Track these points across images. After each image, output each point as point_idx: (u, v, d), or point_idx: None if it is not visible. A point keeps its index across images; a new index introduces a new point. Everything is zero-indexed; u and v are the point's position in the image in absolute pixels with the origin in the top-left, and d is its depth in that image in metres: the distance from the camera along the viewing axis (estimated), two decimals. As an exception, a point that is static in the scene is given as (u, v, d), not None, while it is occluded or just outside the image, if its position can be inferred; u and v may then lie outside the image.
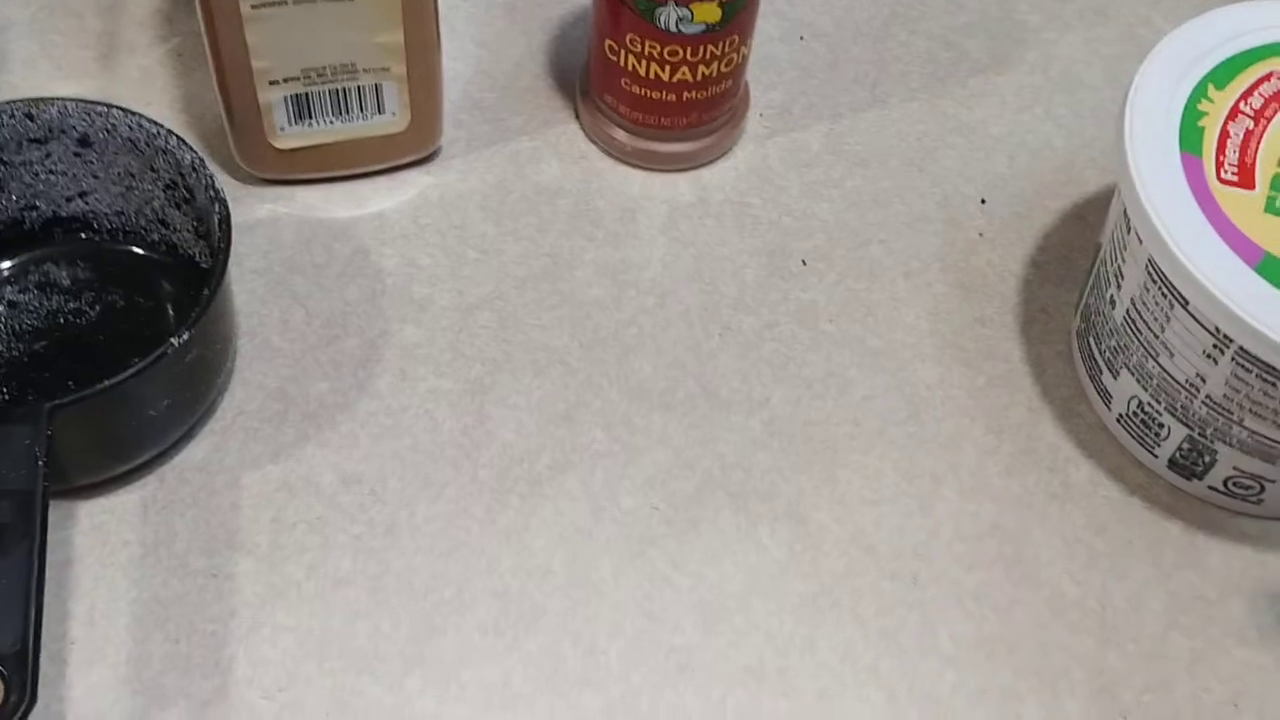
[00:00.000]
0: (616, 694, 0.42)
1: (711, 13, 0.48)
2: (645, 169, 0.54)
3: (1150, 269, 0.43)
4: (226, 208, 0.44)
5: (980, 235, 0.53)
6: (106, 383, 0.40)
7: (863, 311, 0.51)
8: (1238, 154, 0.44)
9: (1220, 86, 0.45)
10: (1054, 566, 0.45)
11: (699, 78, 0.50)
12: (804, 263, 0.52)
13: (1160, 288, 0.43)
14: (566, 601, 0.43)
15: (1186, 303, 0.42)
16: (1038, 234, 0.54)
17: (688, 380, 0.49)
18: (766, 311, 0.51)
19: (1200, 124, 0.44)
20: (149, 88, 0.55)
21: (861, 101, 0.57)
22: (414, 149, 0.52)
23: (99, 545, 0.44)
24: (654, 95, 0.51)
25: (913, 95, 0.58)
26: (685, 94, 0.51)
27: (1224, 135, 0.44)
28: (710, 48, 0.50)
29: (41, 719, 0.40)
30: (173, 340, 0.41)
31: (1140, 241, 0.43)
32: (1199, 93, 0.45)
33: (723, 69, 0.51)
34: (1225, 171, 0.43)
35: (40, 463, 0.38)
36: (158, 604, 0.43)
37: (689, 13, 0.48)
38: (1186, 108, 0.45)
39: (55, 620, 0.42)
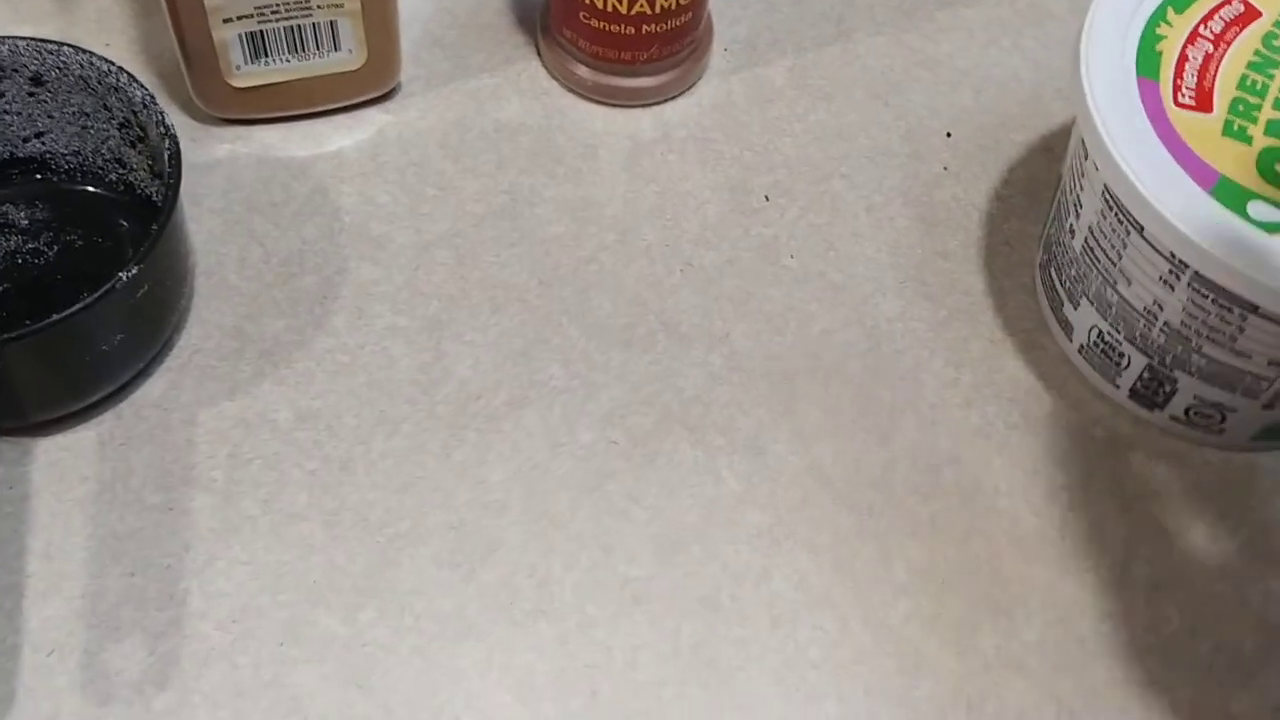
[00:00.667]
0: (572, 624, 0.42)
1: None
2: (607, 105, 0.54)
3: (1106, 196, 0.43)
4: (176, 143, 0.44)
5: (945, 169, 0.53)
6: (56, 316, 0.40)
7: (824, 246, 0.51)
8: (1195, 78, 0.43)
9: (1180, 10, 0.45)
10: (1013, 497, 0.45)
11: (657, 10, 0.50)
12: (766, 198, 0.52)
13: (1116, 214, 0.43)
14: (523, 535, 0.44)
15: (1142, 229, 0.42)
16: (1003, 167, 0.53)
17: (648, 316, 0.48)
18: (728, 247, 0.50)
19: (1158, 48, 0.44)
20: (107, 29, 0.55)
21: (827, 36, 0.57)
22: (372, 87, 0.52)
23: (56, 481, 0.44)
24: (613, 29, 0.51)
25: (879, 29, 0.57)
26: (644, 27, 0.51)
27: (1182, 59, 0.44)
28: None
29: (-4, 652, 0.40)
30: (121, 275, 0.41)
31: (1097, 168, 0.43)
32: (1157, 17, 0.45)
33: (681, 1, 0.50)
34: (1182, 95, 0.43)
35: (-13, 395, 0.38)
36: (114, 538, 0.43)
37: None
38: (1144, 32, 0.44)
39: (12, 555, 0.42)
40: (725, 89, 0.55)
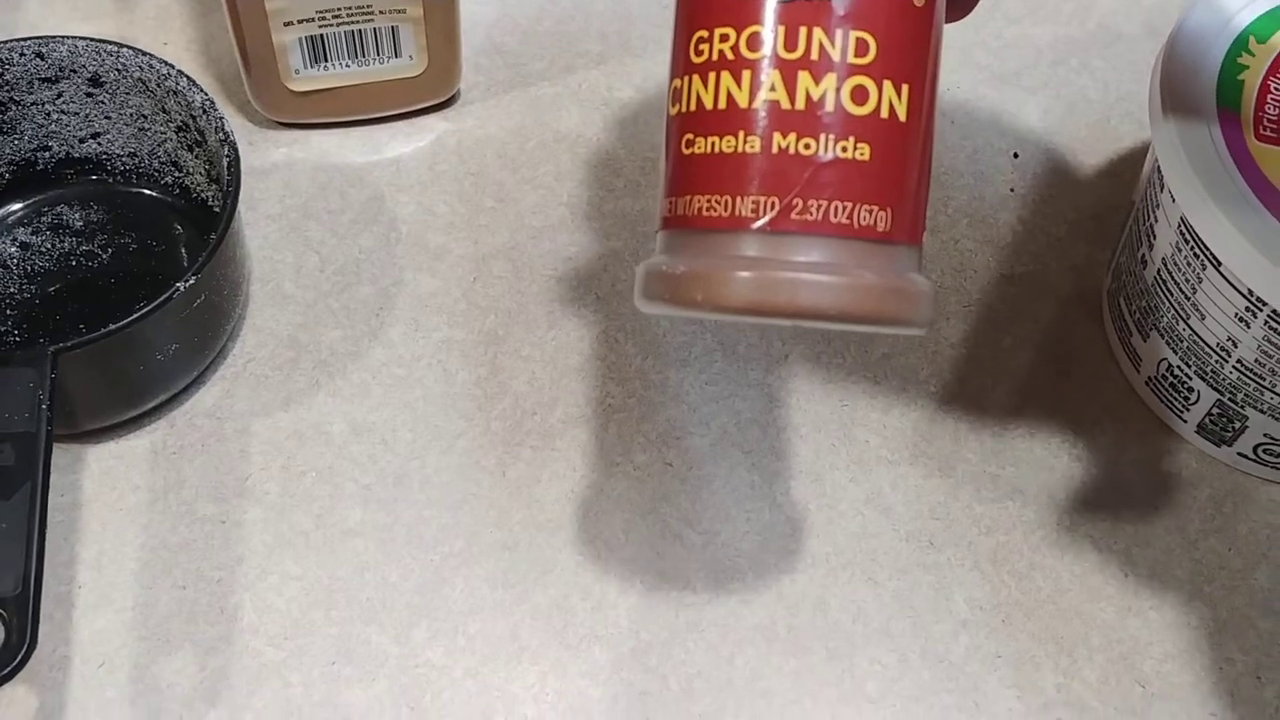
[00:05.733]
0: (626, 650, 0.41)
1: None
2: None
3: (1183, 228, 0.42)
4: (236, 151, 0.43)
5: (1011, 190, 0.52)
6: (111, 326, 0.39)
7: (887, 267, 0.50)
8: (1279, 110, 0.42)
9: (1262, 39, 0.44)
10: (1076, 531, 0.44)
11: None
12: (828, 216, 0.51)
13: (1192, 248, 0.42)
14: (577, 556, 0.43)
15: (1219, 264, 0.41)
16: (1070, 190, 0.52)
17: (705, 336, 0.48)
18: (788, 265, 0.50)
19: (1240, 78, 0.43)
20: (166, 28, 0.54)
21: (892, 51, 0.56)
22: (431, 94, 0.52)
23: (108, 490, 0.43)
24: None
25: (945, 46, 0.56)
26: None
27: (1264, 90, 0.43)
28: None
29: (47, 663, 0.40)
30: (179, 285, 0.40)
31: (1173, 200, 0.42)
32: (1239, 45, 0.43)
33: None
34: (1264, 128, 0.42)
35: (44, 406, 0.38)
36: (165, 550, 0.42)
37: None
38: (1225, 61, 0.43)
39: (62, 564, 0.42)
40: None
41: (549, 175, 0.51)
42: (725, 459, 0.45)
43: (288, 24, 0.47)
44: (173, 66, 0.45)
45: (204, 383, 0.45)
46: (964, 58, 0.56)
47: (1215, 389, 0.44)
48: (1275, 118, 0.42)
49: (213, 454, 0.44)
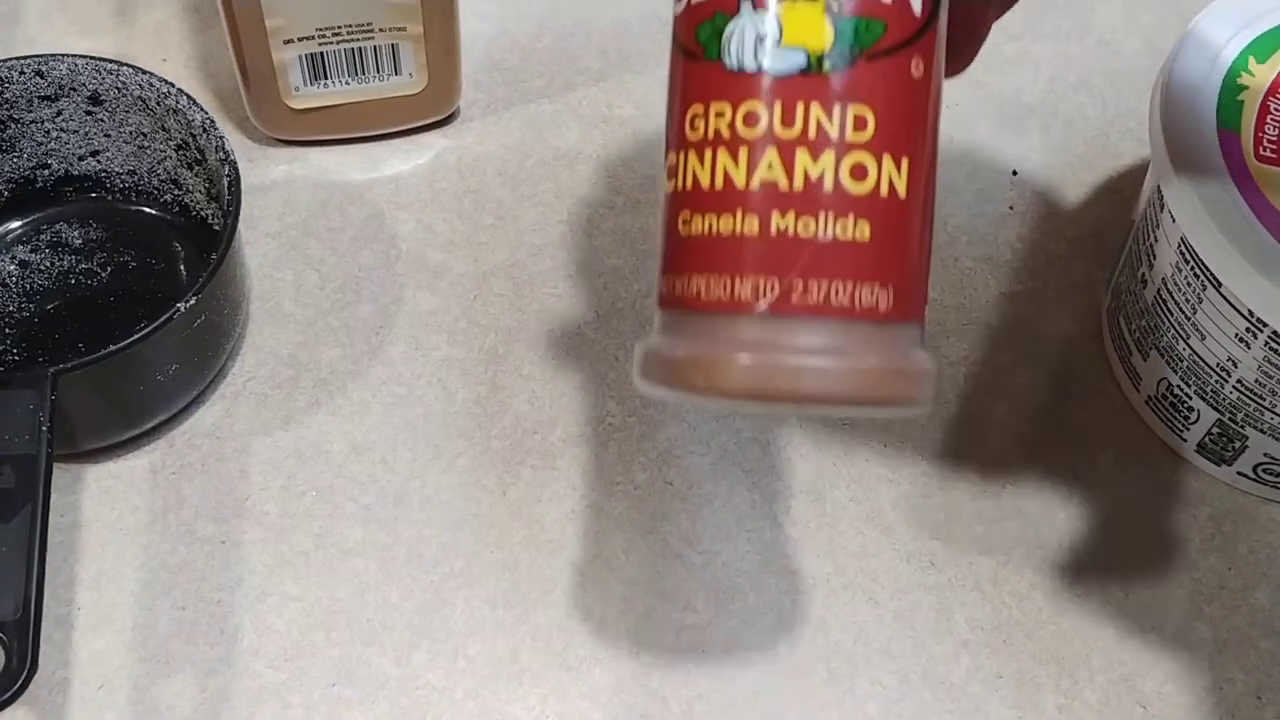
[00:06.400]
0: (627, 672, 0.41)
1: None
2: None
3: (1183, 248, 0.42)
4: (236, 170, 0.43)
5: (1010, 208, 0.52)
6: (111, 347, 0.39)
7: (887, 285, 0.50)
8: (1279, 130, 0.42)
9: (1262, 59, 0.44)
10: (1076, 551, 0.44)
11: None
12: (828, 234, 0.51)
13: (1193, 268, 0.42)
14: (577, 576, 0.43)
15: (1219, 285, 0.41)
16: (1070, 208, 0.52)
17: (706, 352, 0.48)
18: (788, 283, 0.50)
19: (1240, 98, 0.43)
20: (164, 44, 0.54)
21: (891, 68, 0.56)
22: (431, 111, 0.51)
23: (107, 510, 0.43)
24: None
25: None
26: None
27: (1264, 111, 0.43)
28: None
29: (46, 685, 0.40)
30: (179, 305, 0.40)
31: (1173, 220, 0.42)
32: (1239, 66, 0.44)
33: None
34: (1265, 148, 0.42)
35: (44, 428, 0.38)
36: (165, 570, 0.42)
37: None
38: (1225, 82, 0.43)
39: (62, 585, 0.42)
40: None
41: (549, 192, 0.51)
42: (726, 478, 0.45)
43: (288, 41, 0.47)
44: (172, 85, 0.45)
45: (203, 402, 0.45)
46: (962, 75, 0.56)
47: (1215, 409, 0.44)
48: (1275, 138, 0.42)
49: (212, 474, 0.44)
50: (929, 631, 0.42)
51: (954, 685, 0.42)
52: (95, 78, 0.45)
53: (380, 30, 0.48)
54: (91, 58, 0.45)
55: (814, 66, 0.28)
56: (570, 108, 0.54)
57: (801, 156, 0.28)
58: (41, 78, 0.45)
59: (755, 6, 0.28)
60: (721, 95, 0.28)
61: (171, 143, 0.46)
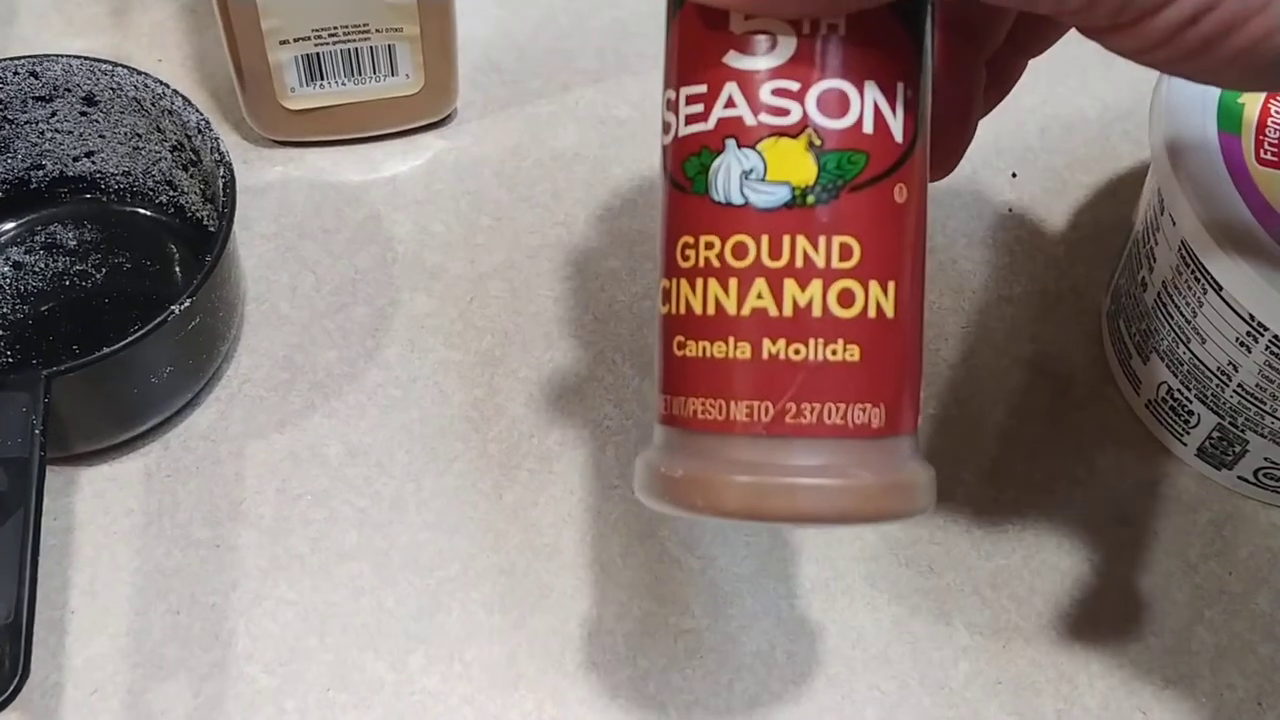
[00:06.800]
0: (623, 677, 0.41)
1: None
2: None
3: (1183, 252, 0.42)
4: (231, 172, 0.43)
5: (1010, 210, 0.52)
6: (106, 350, 0.39)
7: (885, 288, 0.49)
8: (1279, 134, 0.42)
9: (1263, 62, 0.44)
10: (1075, 555, 0.44)
11: None
12: (826, 236, 0.51)
13: (1193, 271, 0.41)
14: (574, 581, 0.43)
15: (1220, 288, 0.40)
16: (1069, 210, 0.52)
17: (704, 355, 0.47)
18: (786, 286, 0.49)
19: (1240, 101, 0.43)
20: (160, 45, 0.54)
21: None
22: (428, 112, 0.51)
23: (101, 513, 0.43)
24: None
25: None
26: None
27: (1265, 114, 0.42)
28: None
29: (39, 690, 0.40)
30: (173, 308, 0.40)
31: (1174, 223, 0.42)
32: (1241, 68, 0.43)
33: None
34: (1265, 151, 0.42)
35: (37, 431, 0.38)
36: (159, 574, 0.42)
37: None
38: (1227, 84, 0.43)
39: (55, 589, 0.41)
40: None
41: (546, 194, 0.51)
42: (723, 482, 0.45)
43: (283, 42, 0.47)
44: (168, 86, 0.44)
45: (198, 404, 0.45)
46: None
47: (1215, 413, 0.44)
48: (1276, 141, 0.42)
49: (207, 477, 0.44)
50: (928, 636, 0.42)
51: (953, 690, 0.41)
52: (90, 78, 0.45)
53: (376, 31, 0.47)
54: (86, 58, 0.45)
55: (799, 200, 0.28)
56: (567, 109, 0.53)
57: (790, 286, 0.28)
58: (36, 78, 0.45)
59: (740, 144, 0.29)
60: (710, 228, 0.29)
61: (166, 144, 0.46)
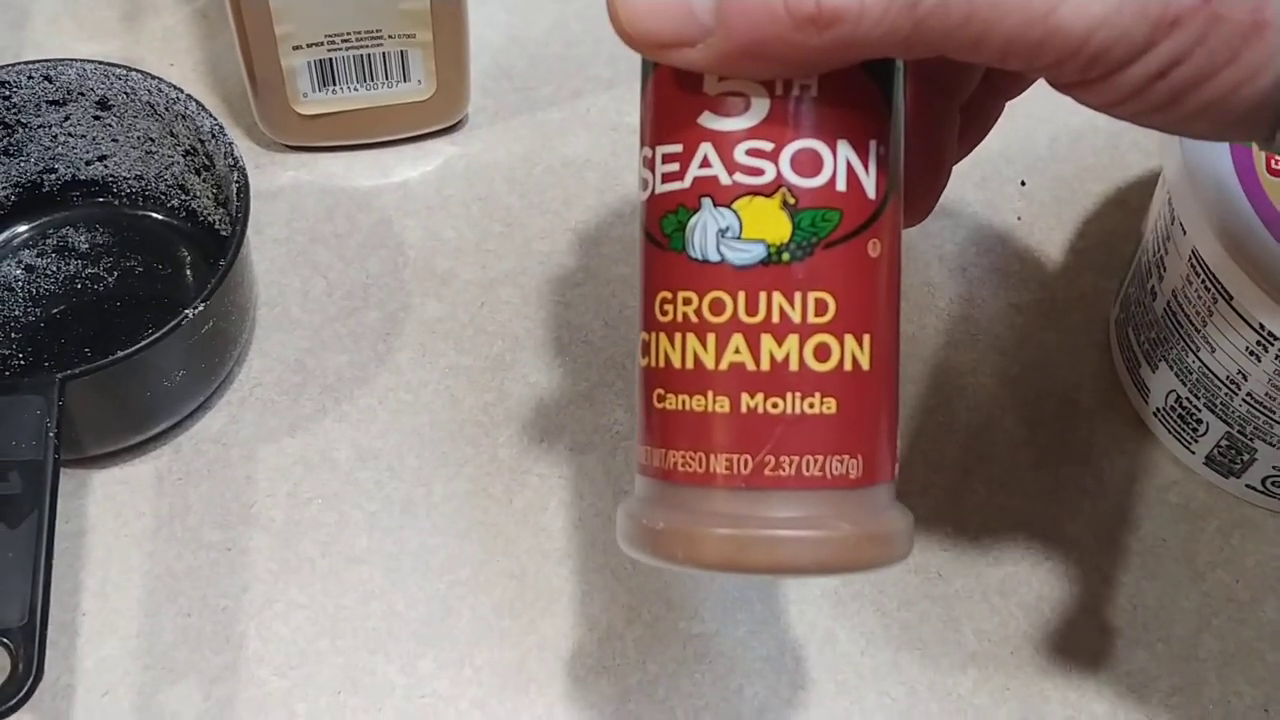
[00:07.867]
0: (633, 681, 0.41)
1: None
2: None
3: (1194, 261, 0.42)
4: (245, 176, 0.43)
5: (1019, 219, 0.52)
6: (119, 354, 0.39)
7: (895, 295, 0.50)
8: (1289, 143, 0.42)
9: (1273, 72, 0.44)
10: (1084, 563, 0.44)
11: None
12: (836, 243, 0.51)
13: (1204, 281, 0.42)
14: (584, 585, 0.43)
15: (1230, 298, 0.41)
16: (1078, 219, 0.52)
17: (713, 361, 0.48)
18: (796, 292, 0.49)
19: (1251, 111, 0.43)
20: (172, 49, 0.54)
21: (899, 78, 0.56)
22: (439, 118, 0.51)
23: (112, 516, 0.43)
24: None
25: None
26: None
27: (1276, 123, 0.43)
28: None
29: (51, 691, 0.40)
30: (187, 312, 0.40)
31: (1184, 232, 0.42)
32: (1251, 78, 0.43)
33: None
34: (1276, 161, 0.42)
35: (51, 434, 0.38)
36: (170, 577, 0.42)
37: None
38: (1237, 94, 0.43)
39: (67, 591, 0.41)
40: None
41: (557, 200, 0.51)
42: (733, 488, 0.45)
43: (296, 48, 0.47)
44: (181, 90, 0.44)
45: (210, 408, 0.45)
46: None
47: (1224, 421, 0.44)
48: (1286, 151, 0.42)
49: (218, 480, 0.44)
50: (937, 643, 0.42)
51: (961, 697, 0.41)
52: (103, 83, 0.45)
53: (389, 37, 0.48)
54: (100, 63, 0.45)
55: (774, 258, 0.29)
56: (579, 115, 0.53)
57: (767, 341, 0.29)
58: (50, 82, 0.45)
59: (715, 203, 0.29)
60: (688, 284, 0.29)
61: (179, 148, 0.46)
